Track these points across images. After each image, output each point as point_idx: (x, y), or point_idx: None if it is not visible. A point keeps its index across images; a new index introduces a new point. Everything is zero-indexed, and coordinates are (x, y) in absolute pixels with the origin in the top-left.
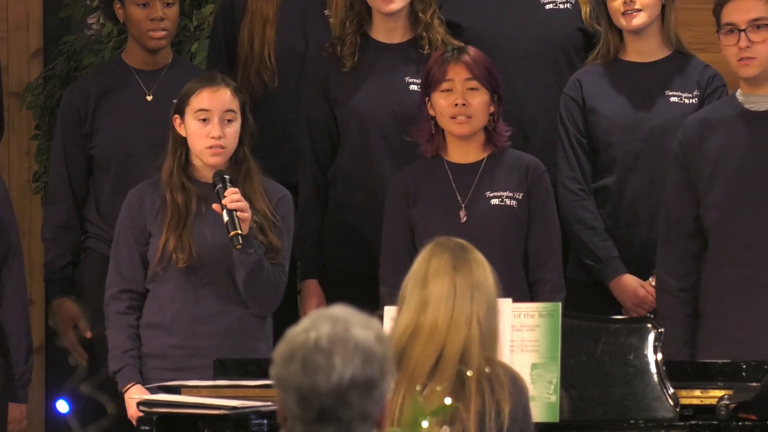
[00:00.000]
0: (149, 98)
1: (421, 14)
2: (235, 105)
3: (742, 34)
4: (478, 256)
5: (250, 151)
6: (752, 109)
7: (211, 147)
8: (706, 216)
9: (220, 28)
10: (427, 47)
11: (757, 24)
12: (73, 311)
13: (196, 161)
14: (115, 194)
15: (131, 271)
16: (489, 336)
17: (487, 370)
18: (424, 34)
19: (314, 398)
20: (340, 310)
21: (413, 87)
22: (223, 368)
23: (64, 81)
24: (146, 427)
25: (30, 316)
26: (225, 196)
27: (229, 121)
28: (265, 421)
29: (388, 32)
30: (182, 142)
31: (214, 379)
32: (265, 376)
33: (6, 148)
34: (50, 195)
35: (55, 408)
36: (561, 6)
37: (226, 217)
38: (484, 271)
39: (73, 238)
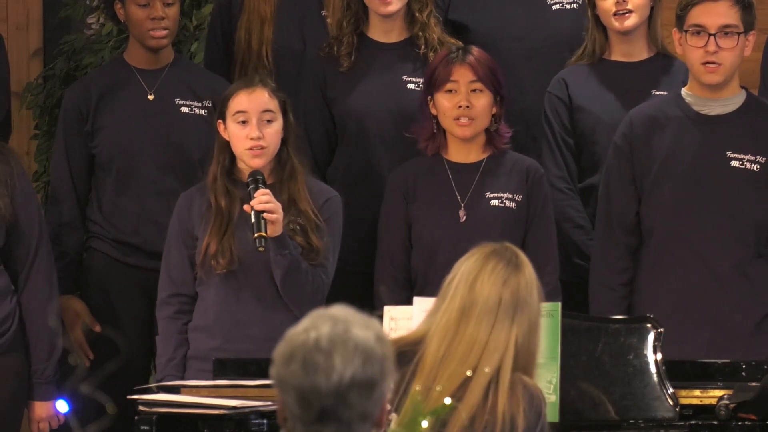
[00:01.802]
0: (151, 97)
1: (417, 14)
2: (273, 105)
3: (712, 38)
4: (528, 271)
5: (294, 151)
6: (703, 112)
7: (251, 148)
8: (649, 215)
9: (217, 26)
10: (423, 47)
11: (726, 31)
12: (79, 307)
13: (241, 165)
14: (117, 194)
15: (181, 275)
16: (525, 356)
17: (509, 388)
18: (421, 33)
19: (314, 398)
20: (340, 311)
21: (410, 86)
22: (222, 368)
23: (64, 81)
24: (146, 427)
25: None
26: (254, 197)
27: (268, 121)
28: (265, 421)
29: (385, 32)
30: (226, 147)
31: (213, 379)
32: (265, 376)
33: None
34: (52, 194)
35: (55, 408)
36: (568, 6)
37: (253, 219)
38: (531, 288)
39: (75, 237)
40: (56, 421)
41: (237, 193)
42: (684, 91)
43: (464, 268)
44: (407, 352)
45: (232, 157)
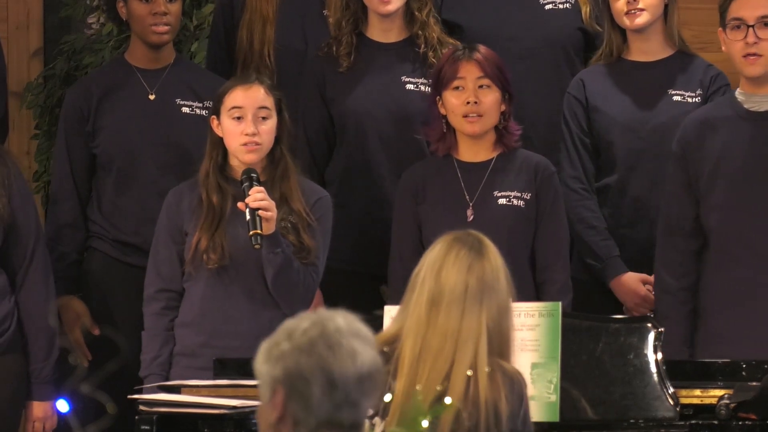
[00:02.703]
0: (152, 97)
1: (416, 13)
2: (269, 102)
3: (750, 29)
4: (493, 256)
5: (288, 150)
6: (753, 109)
7: (245, 144)
8: (707, 217)
9: (220, 26)
10: (423, 46)
11: (765, 21)
12: (80, 309)
13: (233, 161)
14: (117, 193)
15: (170, 271)
16: (499, 339)
17: (488, 375)
18: (420, 32)
19: (341, 383)
20: (332, 311)
21: (409, 86)
22: (222, 368)
23: (64, 81)
24: (146, 427)
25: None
26: (249, 195)
27: (263, 118)
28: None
29: (384, 31)
30: (219, 143)
31: (214, 378)
32: None
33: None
34: (54, 194)
35: (55, 407)
36: (560, 6)
37: (248, 216)
38: (497, 272)
39: (77, 236)
40: (51, 422)
41: (229, 189)
42: (737, 90)
43: (429, 258)
44: (384, 352)
45: (225, 154)
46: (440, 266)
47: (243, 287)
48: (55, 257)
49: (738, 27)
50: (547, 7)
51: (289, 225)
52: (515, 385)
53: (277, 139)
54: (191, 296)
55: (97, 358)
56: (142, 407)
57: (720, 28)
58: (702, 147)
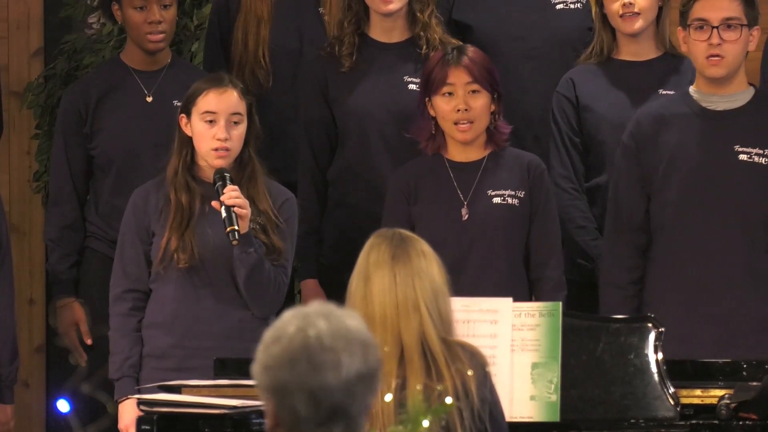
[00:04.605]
0: (149, 99)
1: (419, 14)
2: (241, 107)
3: (715, 31)
4: (419, 246)
5: (255, 153)
6: (709, 108)
7: (216, 149)
8: (658, 213)
9: (215, 27)
10: (425, 47)
11: (728, 23)
12: (79, 314)
13: (201, 161)
14: (114, 195)
15: (136, 271)
16: (440, 319)
17: (444, 348)
18: (422, 33)
19: (325, 396)
20: (322, 306)
21: (412, 86)
22: (223, 367)
23: (65, 80)
24: (147, 427)
25: (23, 317)
26: (224, 193)
27: (235, 123)
28: (265, 421)
29: (386, 32)
30: (188, 142)
31: (214, 378)
32: None
33: (6, 148)
34: (53, 196)
35: (56, 407)
36: (571, 6)
37: (224, 213)
38: (424, 258)
39: (77, 238)
40: (10, 426)
41: (197, 189)
42: (692, 88)
43: (356, 267)
44: None
45: (193, 153)
46: (366, 266)
47: (212, 287)
48: (56, 258)
49: (701, 27)
50: (558, 6)
51: (257, 226)
52: (476, 357)
53: (246, 142)
54: (160, 297)
55: (96, 359)
56: (142, 407)
57: (680, 27)
58: (656, 142)
